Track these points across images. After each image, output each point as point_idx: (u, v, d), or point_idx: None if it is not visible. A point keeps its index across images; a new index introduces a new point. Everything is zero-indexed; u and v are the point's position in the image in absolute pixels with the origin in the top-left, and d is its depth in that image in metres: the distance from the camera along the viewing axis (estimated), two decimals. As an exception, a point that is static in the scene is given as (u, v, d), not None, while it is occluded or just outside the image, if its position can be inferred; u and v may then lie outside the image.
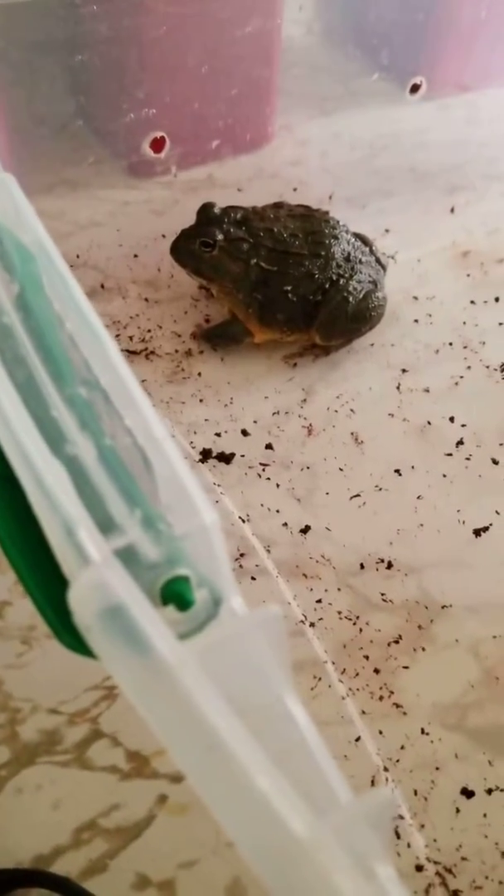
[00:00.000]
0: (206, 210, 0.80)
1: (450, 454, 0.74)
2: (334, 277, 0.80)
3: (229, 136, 0.97)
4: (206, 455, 0.74)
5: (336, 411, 0.78)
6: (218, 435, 0.76)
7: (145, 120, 0.86)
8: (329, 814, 0.24)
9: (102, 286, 0.88)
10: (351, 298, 0.80)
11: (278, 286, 0.79)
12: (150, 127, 0.87)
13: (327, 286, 0.80)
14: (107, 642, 0.28)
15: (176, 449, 0.33)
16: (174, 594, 0.31)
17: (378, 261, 0.85)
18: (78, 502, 0.29)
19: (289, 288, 0.79)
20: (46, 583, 0.32)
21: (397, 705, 0.60)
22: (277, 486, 0.72)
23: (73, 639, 0.31)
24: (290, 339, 0.82)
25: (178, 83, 0.86)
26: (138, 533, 0.30)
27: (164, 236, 0.92)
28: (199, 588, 0.32)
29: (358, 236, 0.85)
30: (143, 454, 0.34)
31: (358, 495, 0.71)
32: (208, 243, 0.78)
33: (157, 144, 0.90)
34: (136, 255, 0.91)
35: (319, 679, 0.60)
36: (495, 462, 0.74)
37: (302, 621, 0.63)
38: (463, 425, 0.77)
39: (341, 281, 0.80)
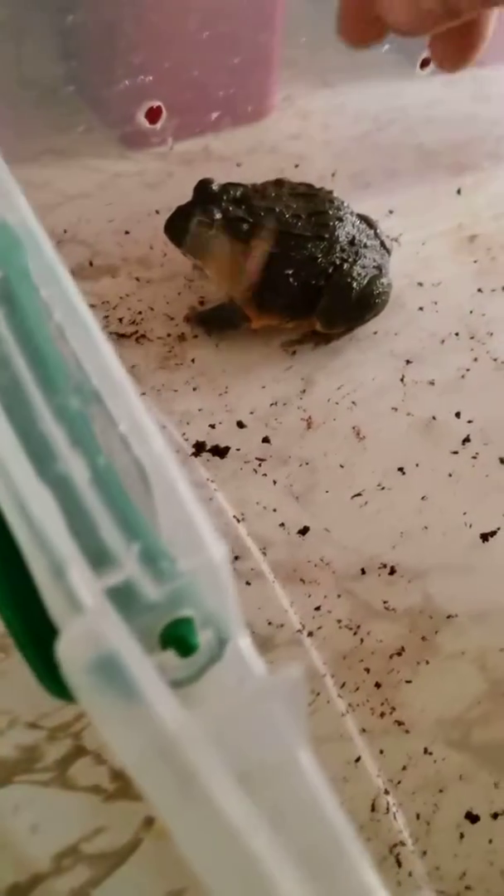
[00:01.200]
0: (203, 186, 0.76)
1: (455, 452, 0.71)
2: (338, 262, 0.76)
3: (229, 106, 0.92)
4: (199, 448, 0.70)
5: (337, 403, 0.74)
6: (212, 426, 0.72)
7: (141, 88, 0.80)
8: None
9: (91, 263, 0.84)
10: (355, 284, 0.75)
11: (279, 269, 0.75)
12: (145, 95, 0.82)
13: (330, 271, 0.75)
14: (99, 700, 0.24)
15: (179, 468, 0.29)
16: (176, 638, 0.27)
17: (383, 244, 0.81)
18: (68, 537, 0.25)
19: (290, 272, 0.74)
20: (29, 622, 0.28)
21: (399, 722, 0.56)
22: (274, 482, 0.68)
23: (60, 688, 0.27)
24: (289, 325, 0.78)
25: (177, 49, 0.80)
26: (136, 569, 0.27)
27: (157, 212, 0.87)
28: (203, 628, 0.28)
29: (362, 218, 0.81)
30: (141, 472, 0.30)
31: (359, 494, 0.68)
32: (206, 222, 0.74)
33: (153, 114, 0.84)
34: (127, 232, 0.87)
35: (318, 694, 0.57)
36: (503, 462, 0.70)
37: (300, 630, 0.60)
38: (469, 421, 0.73)
39: (345, 266, 0.76)
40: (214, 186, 0.76)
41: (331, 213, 0.77)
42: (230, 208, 0.74)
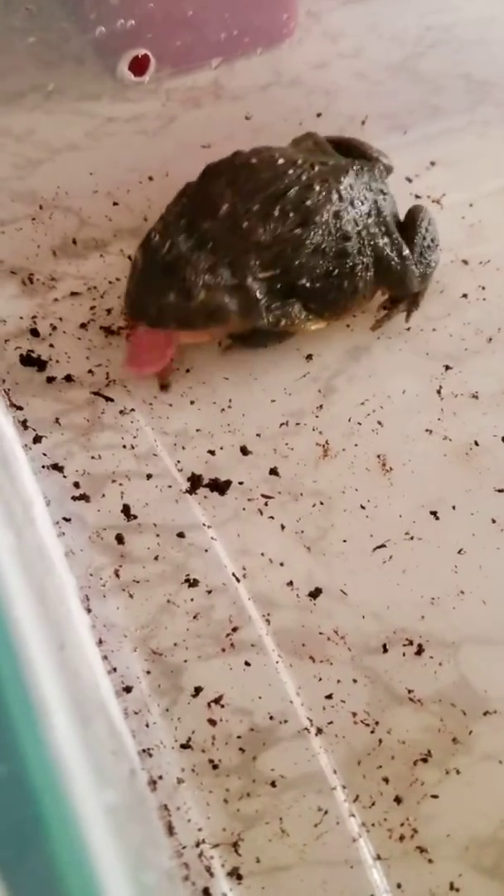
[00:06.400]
0: (152, 249, 0.59)
1: (501, 490, 0.59)
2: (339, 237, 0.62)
3: (238, 33, 0.77)
4: (195, 483, 0.59)
5: (359, 424, 0.62)
6: (211, 453, 0.61)
7: (122, 34, 0.65)
8: None
9: (74, 242, 0.71)
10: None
11: (290, 284, 0.61)
12: (128, 43, 0.67)
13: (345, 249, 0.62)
14: None
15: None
16: None
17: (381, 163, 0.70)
18: None
19: (304, 282, 0.61)
20: None
21: (421, 849, 0.47)
22: (282, 527, 0.58)
23: None
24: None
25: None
26: None
27: (151, 179, 0.74)
28: None
29: (341, 144, 0.70)
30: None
31: (383, 546, 0.57)
32: (189, 292, 0.58)
33: (139, 65, 0.69)
34: (115, 203, 0.73)
35: (325, 812, 0.48)
36: None
37: (307, 728, 0.50)
38: (519, 448, 0.61)
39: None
40: (160, 242, 0.59)
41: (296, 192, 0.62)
42: (199, 258, 0.58)
